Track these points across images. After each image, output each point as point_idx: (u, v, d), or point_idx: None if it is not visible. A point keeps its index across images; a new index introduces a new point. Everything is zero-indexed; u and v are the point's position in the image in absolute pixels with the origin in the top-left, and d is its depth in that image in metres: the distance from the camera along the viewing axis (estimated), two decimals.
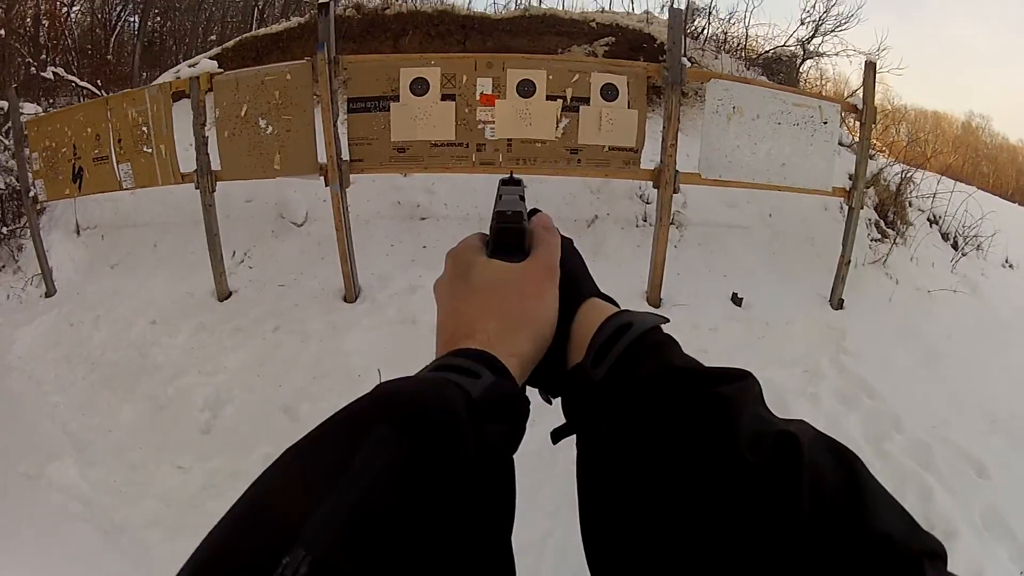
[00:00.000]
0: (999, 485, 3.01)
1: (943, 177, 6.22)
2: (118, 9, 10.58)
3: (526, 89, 3.78)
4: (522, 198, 0.57)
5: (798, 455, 0.34)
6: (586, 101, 3.79)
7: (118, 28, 10.67)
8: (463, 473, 0.34)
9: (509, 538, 0.39)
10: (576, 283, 0.54)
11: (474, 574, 0.35)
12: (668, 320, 0.49)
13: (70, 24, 10.84)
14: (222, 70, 4.30)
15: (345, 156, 3.98)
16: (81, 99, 8.10)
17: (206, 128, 4.29)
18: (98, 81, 8.71)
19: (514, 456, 0.42)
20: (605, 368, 0.45)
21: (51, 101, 8.77)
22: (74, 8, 10.78)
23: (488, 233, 0.55)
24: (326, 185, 3.98)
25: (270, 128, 4.09)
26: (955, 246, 5.64)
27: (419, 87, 3.84)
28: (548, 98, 3.78)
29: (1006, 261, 6.30)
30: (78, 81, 8.56)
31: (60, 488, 3.14)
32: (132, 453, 3.36)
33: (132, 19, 10.61)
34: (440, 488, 0.33)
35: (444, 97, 3.83)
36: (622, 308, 0.51)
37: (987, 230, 5.80)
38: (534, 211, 0.59)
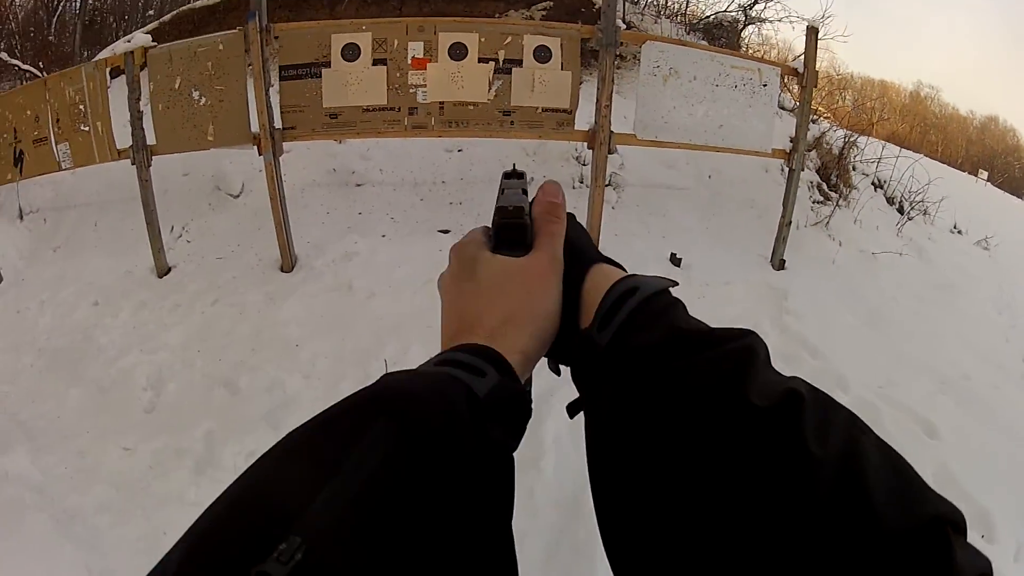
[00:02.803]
0: (950, 445, 2.99)
1: (888, 144, 6.31)
2: None
3: (458, 52, 3.74)
4: (524, 191, 0.56)
5: (802, 404, 0.34)
6: (519, 63, 3.76)
7: (60, 8, 10.35)
8: (461, 472, 0.34)
9: (509, 535, 0.39)
10: (582, 252, 0.53)
11: (470, 571, 0.34)
12: (676, 283, 0.49)
13: (14, 8, 10.52)
14: (156, 44, 4.21)
15: (278, 124, 3.92)
16: (23, 82, 7.86)
17: (141, 103, 4.19)
18: (40, 63, 8.44)
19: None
20: (610, 333, 0.44)
21: None
22: None
23: (491, 227, 0.55)
24: (259, 154, 3.92)
25: (203, 99, 4.02)
26: (900, 210, 5.74)
27: (350, 53, 3.78)
28: (480, 60, 3.74)
29: (954, 227, 6.43)
30: (20, 64, 8.29)
31: (14, 479, 3.07)
32: (80, 438, 3.32)
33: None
34: (437, 485, 0.33)
35: (375, 62, 3.77)
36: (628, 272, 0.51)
37: (935, 196, 5.90)
38: (544, 184, 0.58)
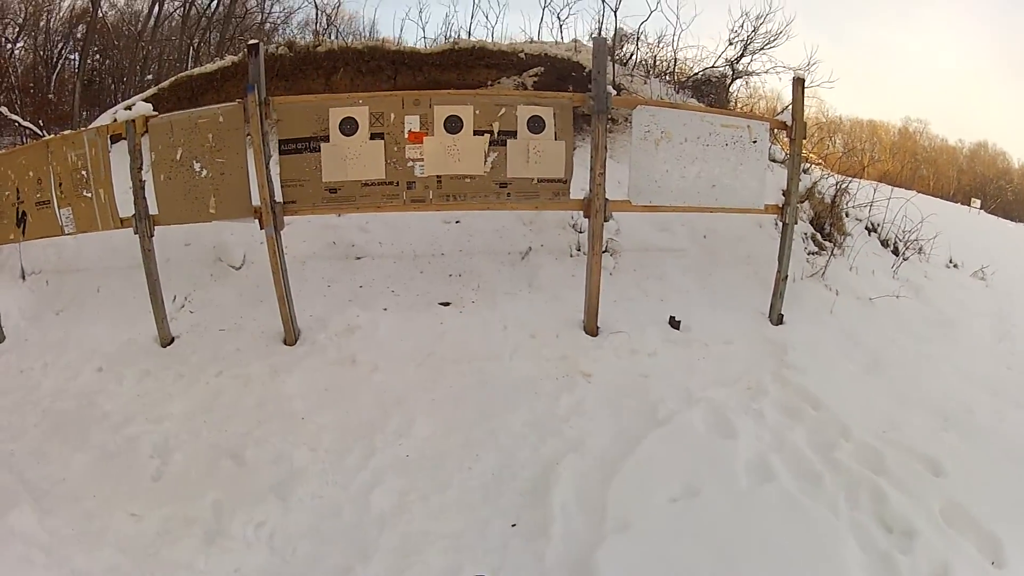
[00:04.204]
0: (957, 480, 3.00)
1: (880, 184, 6.38)
2: (59, 46, 10.43)
3: (453, 125, 3.82)
4: None
5: None
6: (513, 135, 3.84)
7: (59, 66, 10.52)
8: None
9: None
10: None
11: None
12: None
13: (13, 61, 10.69)
14: (157, 112, 4.27)
15: (278, 198, 3.97)
16: (24, 139, 7.97)
17: (143, 172, 4.25)
18: (40, 121, 8.57)
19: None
20: None
21: None
22: (17, 45, 10.64)
23: None
24: (261, 228, 3.97)
25: (204, 171, 4.07)
26: (896, 252, 5.77)
27: (348, 127, 3.86)
28: (475, 133, 3.82)
29: (950, 261, 6.45)
30: (21, 121, 8.41)
31: (21, 537, 3.09)
32: (87, 502, 3.33)
33: (72, 57, 10.47)
34: None
35: (373, 136, 3.85)
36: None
37: (929, 232, 5.94)
38: None
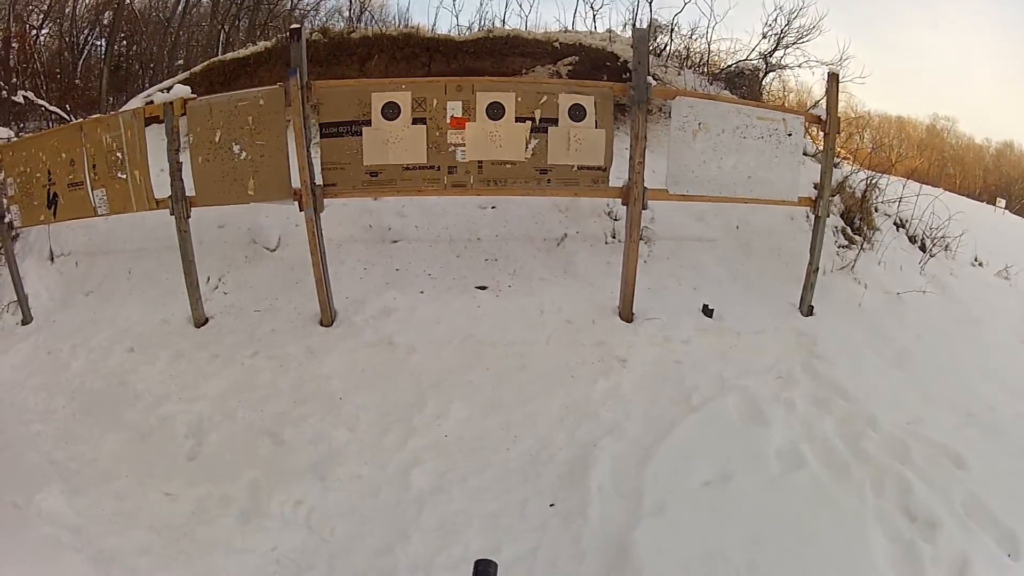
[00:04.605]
0: (978, 474, 3.07)
1: (909, 181, 6.37)
2: (85, 33, 10.51)
3: (495, 112, 3.85)
4: None
5: None
6: (554, 122, 3.87)
7: (85, 52, 10.60)
8: None
9: None
10: None
11: None
12: None
13: (39, 47, 10.77)
14: (195, 96, 4.29)
15: (318, 181, 4.01)
16: (50, 124, 8.04)
17: (179, 154, 4.28)
18: (67, 106, 8.65)
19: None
20: None
21: (21, 125, 8.69)
22: (42, 32, 10.72)
23: None
24: (300, 210, 4.01)
25: (244, 154, 4.10)
26: (923, 248, 5.78)
27: (390, 111, 3.89)
28: (517, 120, 3.85)
29: (975, 259, 6.45)
30: (48, 105, 8.49)
31: (49, 518, 3.12)
32: (118, 482, 3.37)
33: (99, 43, 10.55)
34: None
35: (415, 121, 3.89)
36: None
37: (955, 230, 5.94)
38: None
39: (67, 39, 10.57)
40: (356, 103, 3.92)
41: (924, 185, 6.37)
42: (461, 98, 3.86)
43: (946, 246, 5.86)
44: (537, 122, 3.87)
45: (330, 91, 4.00)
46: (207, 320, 4.44)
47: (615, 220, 4.87)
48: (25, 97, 8.99)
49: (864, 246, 5.07)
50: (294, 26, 4.16)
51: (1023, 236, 10.57)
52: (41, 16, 11.39)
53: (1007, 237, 9.49)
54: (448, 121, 3.86)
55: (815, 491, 2.90)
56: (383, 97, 3.91)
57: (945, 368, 4.12)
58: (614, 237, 4.77)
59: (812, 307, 4.40)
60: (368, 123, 3.91)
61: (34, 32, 11.05)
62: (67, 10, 10.69)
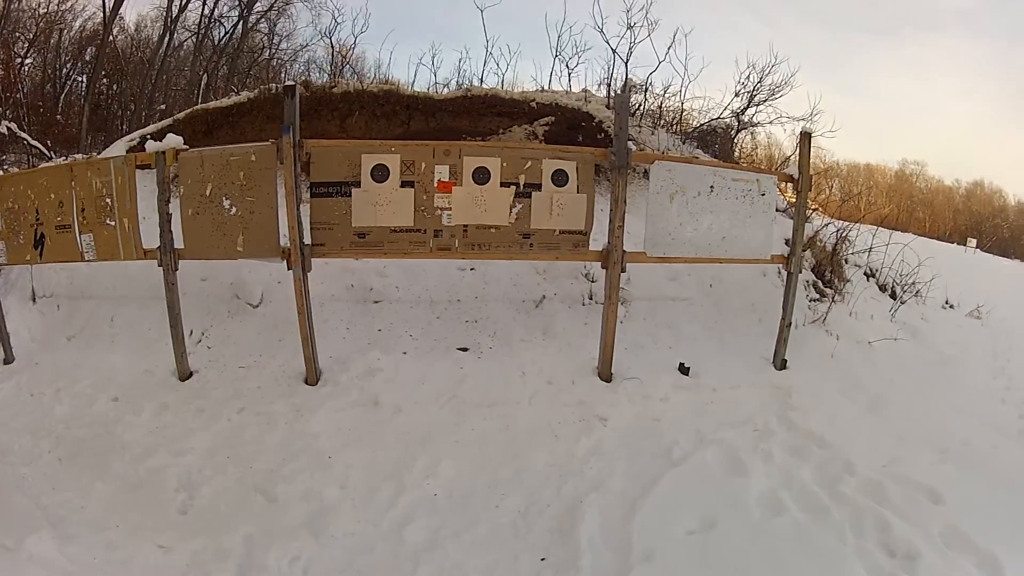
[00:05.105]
0: (955, 506, 3.21)
1: (879, 228, 6.63)
2: (68, 67, 10.48)
3: (481, 176, 3.98)
4: None
5: None
6: (538, 187, 4.01)
7: (67, 87, 10.57)
8: None
9: None
10: None
11: None
12: None
13: (23, 76, 10.73)
14: (187, 147, 4.30)
15: (307, 240, 4.07)
16: (29, 158, 8.01)
17: (168, 204, 4.28)
18: (47, 141, 8.60)
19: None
20: None
21: (1, 157, 8.63)
22: (27, 61, 10.68)
23: None
24: (288, 269, 4.06)
25: (234, 209, 4.13)
26: (893, 296, 6.01)
27: (379, 173, 3.99)
28: (502, 184, 3.98)
29: (946, 302, 6.71)
30: (29, 139, 8.45)
31: (40, 563, 3.06)
32: (109, 532, 3.33)
33: (80, 78, 10.53)
34: None
35: (403, 183, 3.99)
36: None
37: (926, 275, 6.19)
38: None
39: (50, 71, 10.53)
40: (347, 163, 4.00)
41: (894, 231, 6.63)
42: (449, 162, 3.97)
43: (916, 292, 6.10)
44: (521, 187, 4.00)
45: (322, 151, 4.07)
46: (191, 374, 4.44)
47: (592, 281, 5.01)
48: (8, 128, 8.95)
49: (835, 298, 5.28)
50: (288, 83, 4.24)
51: (994, 272, 10.95)
52: (26, 45, 11.37)
53: (979, 273, 9.86)
54: (435, 184, 3.97)
55: (797, 534, 3.01)
56: (373, 159, 4.00)
57: (919, 409, 4.29)
58: (591, 298, 4.91)
59: (785, 361, 4.55)
60: (358, 184, 4.00)
61: (18, 60, 11.01)
62: (52, 41, 10.67)
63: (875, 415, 4.21)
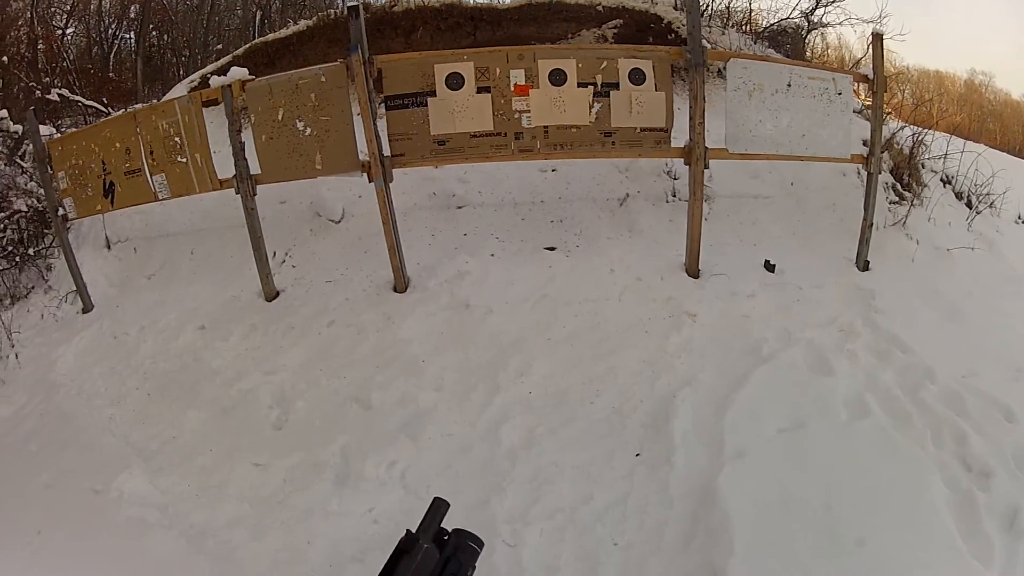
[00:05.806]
0: None
1: (952, 137, 6.38)
2: (113, 27, 10.59)
3: (557, 78, 3.94)
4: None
5: None
6: (615, 86, 3.96)
7: (116, 46, 10.68)
8: None
9: None
10: None
11: None
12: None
13: (66, 45, 10.89)
14: (253, 77, 4.33)
15: (386, 152, 4.11)
16: (86, 118, 8.16)
17: (240, 134, 4.34)
18: (103, 99, 8.74)
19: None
20: None
21: (57, 123, 8.81)
22: (68, 31, 10.82)
23: None
24: (370, 181, 4.11)
25: (308, 130, 4.17)
26: (969, 205, 5.82)
27: (454, 82, 3.99)
28: (579, 85, 3.94)
29: (1019, 217, 6.48)
30: (83, 100, 8.59)
31: (132, 499, 3.16)
32: (202, 457, 3.41)
33: (128, 36, 10.63)
34: None
35: (479, 90, 3.98)
36: None
37: (999, 188, 5.98)
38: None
39: (95, 36, 10.65)
40: (419, 75, 4.01)
41: (967, 141, 6.38)
42: (523, 66, 3.95)
43: (991, 203, 5.89)
44: (599, 87, 3.96)
45: (392, 65, 4.08)
46: (278, 294, 4.55)
47: (675, 179, 4.96)
48: (60, 95, 9.10)
49: (914, 202, 5.13)
50: (352, 4, 4.23)
51: None
52: (64, 16, 11.51)
53: None
54: (512, 89, 3.95)
55: (881, 439, 3.00)
56: (446, 68, 3.99)
57: (994, 324, 4.20)
58: (675, 196, 4.87)
59: (868, 262, 4.48)
60: (433, 94, 4.00)
61: (59, 32, 11.16)
62: (92, 6, 10.78)
63: (954, 324, 4.13)
